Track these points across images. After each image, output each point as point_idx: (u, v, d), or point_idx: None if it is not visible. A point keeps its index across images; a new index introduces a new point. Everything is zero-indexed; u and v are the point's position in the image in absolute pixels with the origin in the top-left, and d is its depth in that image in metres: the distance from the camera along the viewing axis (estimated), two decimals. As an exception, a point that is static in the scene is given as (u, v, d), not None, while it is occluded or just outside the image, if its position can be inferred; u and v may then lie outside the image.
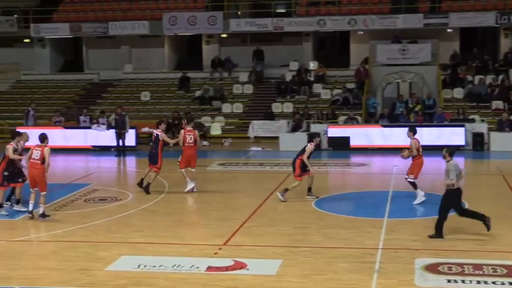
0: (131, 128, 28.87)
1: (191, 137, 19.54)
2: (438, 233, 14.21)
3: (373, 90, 33.94)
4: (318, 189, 19.67)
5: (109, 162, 26.19)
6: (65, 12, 39.32)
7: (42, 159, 16.02)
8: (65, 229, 15.73)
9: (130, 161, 26.93)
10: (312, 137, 19.07)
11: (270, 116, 32.43)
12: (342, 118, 31.36)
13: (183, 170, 19.66)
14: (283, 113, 33.33)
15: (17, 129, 20.42)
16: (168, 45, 39.32)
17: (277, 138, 29.62)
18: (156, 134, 19.64)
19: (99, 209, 17.89)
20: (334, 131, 29.04)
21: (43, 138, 16.34)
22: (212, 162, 25.54)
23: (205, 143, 30.66)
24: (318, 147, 20.29)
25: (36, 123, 31.21)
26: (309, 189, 18.77)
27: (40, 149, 16.11)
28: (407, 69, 34.24)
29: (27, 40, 40.13)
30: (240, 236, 14.96)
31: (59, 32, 38.34)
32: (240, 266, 12.71)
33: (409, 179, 17.92)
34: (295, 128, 30.08)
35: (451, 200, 14.26)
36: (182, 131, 19.76)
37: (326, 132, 28.84)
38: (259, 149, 29.11)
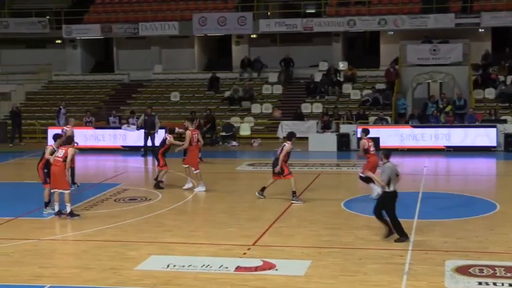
0: (161, 128, 28.96)
1: (196, 137, 20.00)
2: (401, 235, 14.13)
3: (403, 91, 33.71)
4: (348, 189, 19.63)
5: (138, 162, 26.34)
6: (96, 13, 39.65)
7: (65, 158, 16.44)
8: (95, 228, 15.85)
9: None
10: (291, 135, 18.98)
11: (299, 117, 32.37)
12: (371, 119, 31.19)
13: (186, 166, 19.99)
14: (312, 113, 33.25)
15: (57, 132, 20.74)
16: (198, 46, 39.45)
17: (306, 138, 29.54)
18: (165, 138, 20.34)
19: (129, 208, 18.00)
20: (364, 132, 28.86)
21: (70, 140, 17.06)
22: (241, 163, 25.56)
23: (234, 143, 30.72)
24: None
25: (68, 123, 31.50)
26: (263, 188, 18.83)
27: (65, 148, 16.59)
28: (438, 69, 33.95)
29: (59, 41, 40.52)
30: (269, 237, 14.95)
31: (90, 33, 38.66)
32: (269, 266, 12.70)
33: (360, 174, 18.58)
34: (324, 129, 30.01)
35: (385, 203, 14.20)
36: (189, 132, 20.05)
37: (355, 133, 28.71)
38: (289, 149, 29.03)
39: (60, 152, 16.57)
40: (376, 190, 17.92)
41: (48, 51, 41.12)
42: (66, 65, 40.40)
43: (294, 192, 18.31)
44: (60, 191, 16.59)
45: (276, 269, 12.55)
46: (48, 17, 39.82)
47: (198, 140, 20.22)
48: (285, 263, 12.86)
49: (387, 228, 14.24)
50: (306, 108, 33.64)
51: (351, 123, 30.31)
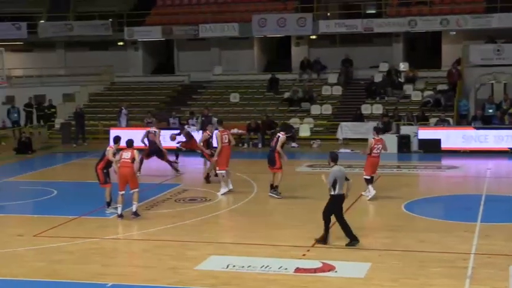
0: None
1: (226, 137, 19.93)
2: (351, 239, 14.13)
3: (466, 92, 33.12)
4: (409, 192, 19.42)
5: (198, 163, 26.52)
6: (157, 15, 40.12)
7: (132, 159, 16.82)
8: (156, 228, 16.05)
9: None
10: (286, 126, 19.63)
11: (359, 118, 32.14)
12: (432, 120, 30.75)
13: (223, 171, 19.81)
14: (372, 114, 32.96)
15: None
16: (258, 47, 39.55)
17: (366, 140, 29.23)
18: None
19: (189, 209, 18.17)
20: (425, 133, 28.50)
21: (131, 143, 17.31)
22: (301, 164, 25.52)
23: (294, 144, 30.67)
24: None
25: (130, 124, 32.04)
26: (272, 186, 19.10)
27: (130, 150, 16.97)
28: (502, 70, 33.23)
29: (121, 43, 41.16)
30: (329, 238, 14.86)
31: (151, 35, 39.14)
32: (329, 268, 12.66)
33: (364, 176, 18.84)
34: (384, 130, 29.69)
35: (332, 206, 14.22)
36: (218, 132, 20.15)
37: (416, 135, 28.38)
38: (348, 150, 28.87)
39: (126, 154, 16.90)
40: (372, 192, 18.59)
41: (111, 53, 41.83)
42: (128, 67, 41.01)
43: (276, 186, 19.01)
44: (133, 190, 16.93)
45: (336, 271, 12.50)
46: (110, 20, 40.51)
47: (229, 141, 20.17)
48: (345, 265, 12.79)
49: (350, 235, 14.22)
50: (365, 109, 33.36)
51: (412, 125, 29.94)
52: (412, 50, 39.41)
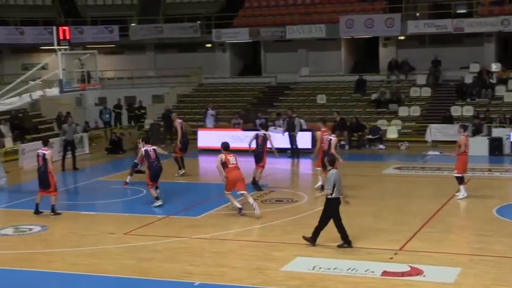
0: (307, 130, 29.11)
1: (327, 138, 19.76)
2: (312, 238, 14.25)
3: None
4: (500, 196, 18.89)
5: (285, 164, 26.57)
6: (244, 17, 40.42)
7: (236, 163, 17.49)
8: (243, 228, 16.17)
9: (305, 163, 27.13)
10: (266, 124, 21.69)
11: (449, 120, 31.47)
12: (526, 122, 29.81)
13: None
14: (462, 116, 32.19)
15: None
16: (345, 48, 39.28)
17: (455, 142, 28.65)
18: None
19: (275, 209, 18.21)
20: (518, 136, 27.69)
21: (227, 146, 17.76)
22: (388, 166, 25.21)
23: (381, 146, 30.34)
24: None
25: (217, 125, 32.39)
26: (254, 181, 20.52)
27: (232, 155, 17.52)
28: None
29: (209, 45, 41.69)
30: (417, 242, 14.64)
31: (239, 36, 39.46)
32: (417, 272, 12.44)
33: (455, 175, 18.84)
34: (475, 132, 28.97)
35: (328, 209, 14.16)
36: (319, 133, 20.24)
37: (509, 137, 27.57)
38: (437, 153, 28.32)
39: (233, 159, 17.40)
40: (463, 193, 18.54)
41: (199, 55, 42.41)
42: (216, 68, 41.48)
43: (255, 179, 20.58)
44: (241, 192, 17.39)
45: (424, 275, 12.28)
46: (199, 22, 41.07)
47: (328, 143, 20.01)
48: (434, 270, 12.55)
49: (345, 237, 14.28)
50: (455, 111, 32.63)
51: (504, 127, 29.11)
52: (505, 50, 38.29)
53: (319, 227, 14.33)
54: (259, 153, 21.23)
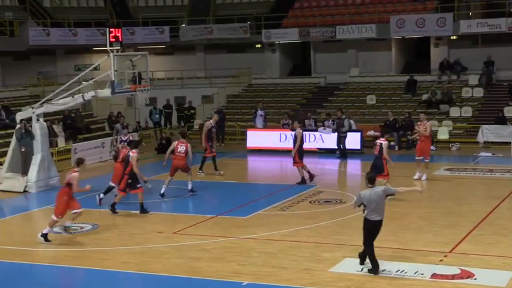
0: (356, 131, 28.95)
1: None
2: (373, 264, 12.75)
3: None
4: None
5: (333, 165, 26.48)
6: (294, 17, 40.38)
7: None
8: (291, 229, 16.17)
9: (354, 164, 27.00)
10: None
11: (502, 121, 30.94)
12: None
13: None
14: (516, 117, 31.66)
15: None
16: (395, 48, 38.93)
17: (508, 143, 28.21)
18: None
19: (323, 210, 18.17)
20: None
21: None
22: (439, 167, 24.91)
23: (432, 147, 29.96)
24: None
25: (266, 125, 32.41)
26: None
27: (184, 144, 19.15)
28: None
29: (258, 45, 41.76)
30: (467, 244, 14.45)
31: (288, 37, 39.43)
32: (467, 275, 12.29)
33: None
34: (529, 133, 28.46)
35: (364, 228, 12.92)
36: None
37: None
38: (489, 154, 27.89)
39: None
40: None
41: (248, 55, 42.51)
42: (265, 69, 41.54)
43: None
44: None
45: (475, 279, 12.11)
46: (249, 23, 41.17)
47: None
48: (485, 273, 12.37)
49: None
50: (509, 112, 32.05)
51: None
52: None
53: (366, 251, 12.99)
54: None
